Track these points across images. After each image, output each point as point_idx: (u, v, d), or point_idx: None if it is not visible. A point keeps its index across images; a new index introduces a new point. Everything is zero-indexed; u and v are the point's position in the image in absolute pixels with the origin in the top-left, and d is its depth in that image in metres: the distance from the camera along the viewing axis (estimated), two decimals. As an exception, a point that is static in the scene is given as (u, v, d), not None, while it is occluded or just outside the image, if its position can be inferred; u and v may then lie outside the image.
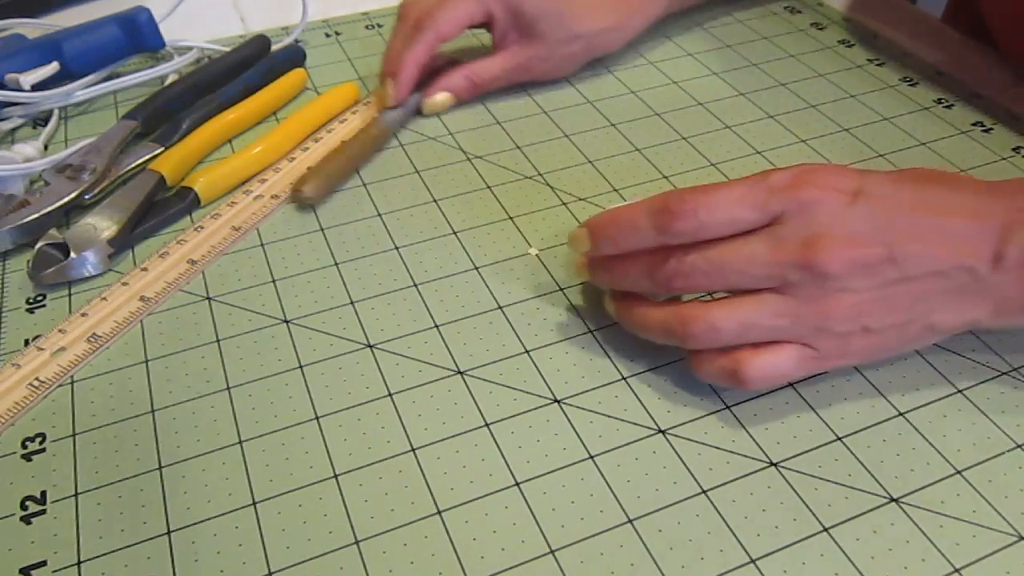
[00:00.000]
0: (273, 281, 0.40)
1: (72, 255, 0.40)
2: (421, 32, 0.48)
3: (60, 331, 0.37)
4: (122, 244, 0.42)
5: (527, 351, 0.36)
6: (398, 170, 0.47)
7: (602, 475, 0.32)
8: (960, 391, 0.34)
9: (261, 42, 0.56)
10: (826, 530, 0.30)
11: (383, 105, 0.49)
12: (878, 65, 0.55)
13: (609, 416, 0.34)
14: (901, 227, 0.30)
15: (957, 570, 0.29)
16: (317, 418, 0.34)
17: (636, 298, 0.34)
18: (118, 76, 0.54)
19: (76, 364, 0.36)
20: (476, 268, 0.41)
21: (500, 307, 0.39)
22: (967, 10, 0.60)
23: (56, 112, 0.51)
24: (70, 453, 0.33)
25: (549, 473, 0.32)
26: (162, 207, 0.44)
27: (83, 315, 0.38)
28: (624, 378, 0.35)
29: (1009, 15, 0.52)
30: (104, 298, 0.39)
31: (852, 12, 0.61)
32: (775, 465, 0.32)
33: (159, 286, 0.39)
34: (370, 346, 0.37)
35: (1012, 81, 0.53)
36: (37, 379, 0.35)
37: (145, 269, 0.40)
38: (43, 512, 0.31)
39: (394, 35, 0.50)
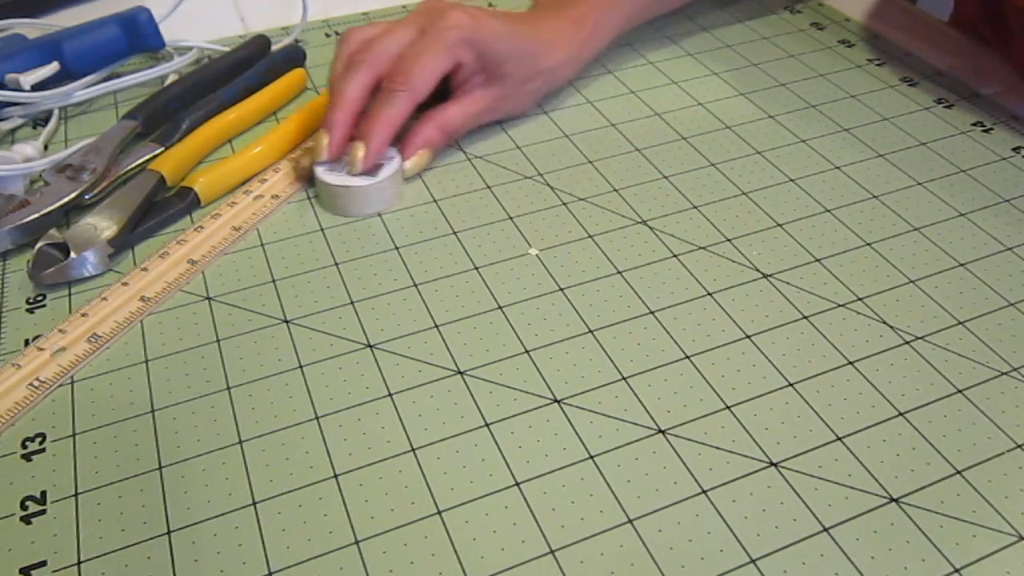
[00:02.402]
0: (273, 281, 0.40)
1: (72, 255, 0.40)
2: (395, 96, 0.44)
3: (60, 331, 0.37)
4: (122, 244, 0.42)
5: (527, 351, 0.36)
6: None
7: (602, 475, 0.32)
8: (960, 391, 0.34)
9: (261, 42, 0.56)
10: (826, 530, 0.30)
11: (321, 158, 0.44)
12: (878, 65, 0.55)
13: (609, 416, 0.34)
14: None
15: (957, 570, 0.29)
16: (317, 418, 0.34)
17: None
18: (118, 76, 0.54)
19: (76, 364, 0.36)
20: (476, 268, 0.41)
21: (500, 307, 0.39)
22: (972, 12, 0.60)
23: (56, 112, 0.51)
24: (70, 453, 0.33)
25: (549, 473, 0.32)
26: (162, 207, 0.44)
27: (83, 315, 0.38)
28: (624, 378, 0.35)
29: None
30: (104, 298, 0.39)
31: (852, 12, 0.61)
32: (775, 465, 0.32)
33: (159, 286, 0.39)
34: (370, 346, 0.37)
35: (1012, 81, 0.53)
36: (37, 379, 0.35)
37: (145, 269, 0.40)
38: (43, 512, 0.31)
39: (344, 76, 0.45)
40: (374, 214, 0.44)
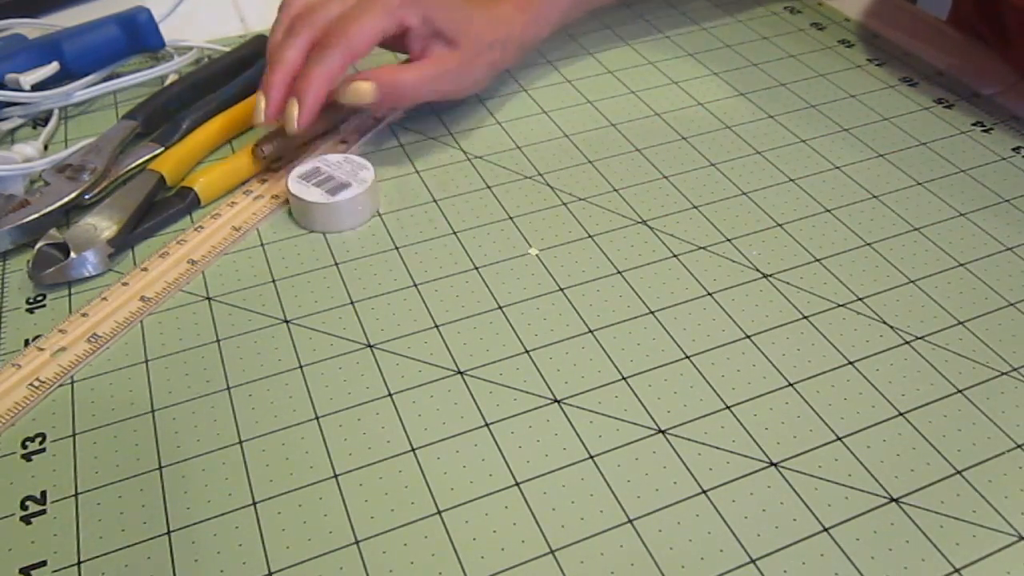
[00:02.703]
0: (273, 281, 0.40)
1: (72, 255, 0.40)
2: (330, 49, 0.42)
3: (60, 331, 0.37)
4: (122, 244, 0.42)
5: (527, 351, 0.36)
6: (398, 170, 0.47)
7: (602, 475, 0.32)
8: (960, 391, 0.34)
9: (260, 42, 0.56)
10: (826, 530, 0.30)
11: (259, 121, 0.43)
12: (878, 65, 0.55)
13: (609, 416, 0.34)
14: None
15: (957, 570, 0.29)
16: (317, 418, 0.34)
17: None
18: (118, 76, 0.54)
19: (76, 364, 0.36)
20: (476, 268, 0.41)
21: (500, 307, 0.39)
22: (970, 11, 0.60)
23: (56, 112, 0.51)
24: (70, 453, 0.33)
25: (549, 473, 0.32)
26: (162, 207, 0.44)
27: (83, 315, 0.38)
28: (624, 378, 0.35)
29: None
30: (104, 298, 0.39)
31: (852, 12, 0.61)
32: (775, 465, 0.32)
33: (159, 286, 0.39)
34: (370, 346, 0.37)
35: (1012, 81, 0.53)
36: (37, 379, 0.35)
37: (145, 269, 0.40)
38: (43, 512, 0.31)
39: (285, 45, 0.44)
40: (346, 230, 0.43)
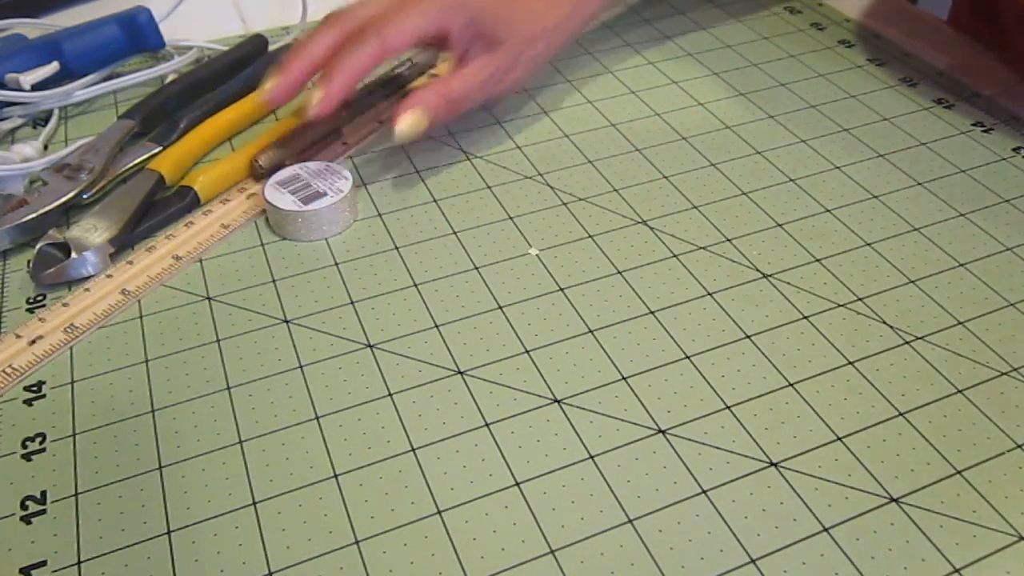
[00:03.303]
0: (273, 281, 0.40)
1: (72, 255, 0.40)
2: (364, 43, 0.41)
3: (40, 320, 0.38)
4: (122, 244, 0.42)
5: (527, 351, 0.36)
6: (398, 170, 0.47)
7: (602, 475, 0.32)
8: (960, 391, 0.34)
9: (258, 41, 0.56)
10: (826, 530, 0.30)
11: (263, 97, 0.42)
12: (878, 65, 0.55)
13: (609, 416, 0.34)
14: None
15: (957, 570, 0.29)
16: (317, 418, 0.34)
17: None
18: (118, 76, 0.54)
19: (50, 354, 0.36)
20: (476, 268, 0.41)
21: (500, 307, 0.39)
22: (971, 12, 0.60)
23: (56, 112, 0.51)
24: (70, 453, 0.33)
25: (549, 473, 0.32)
26: (162, 207, 0.44)
27: (64, 305, 0.38)
28: (624, 378, 0.35)
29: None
30: (87, 289, 0.39)
31: (852, 12, 0.61)
32: (775, 465, 0.32)
33: (141, 280, 0.40)
34: (370, 346, 0.37)
35: (1012, 81, 0.53)
36: (10, 367, 0.36)
37: (131, 263, 0.41)
38: (43, 512, 0.31)
39: (318, 35, 0.43)
40: (316, 239, 0.42)
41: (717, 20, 0.61)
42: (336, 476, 0.32)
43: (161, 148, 0.47)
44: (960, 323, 0.37)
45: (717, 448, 0.32)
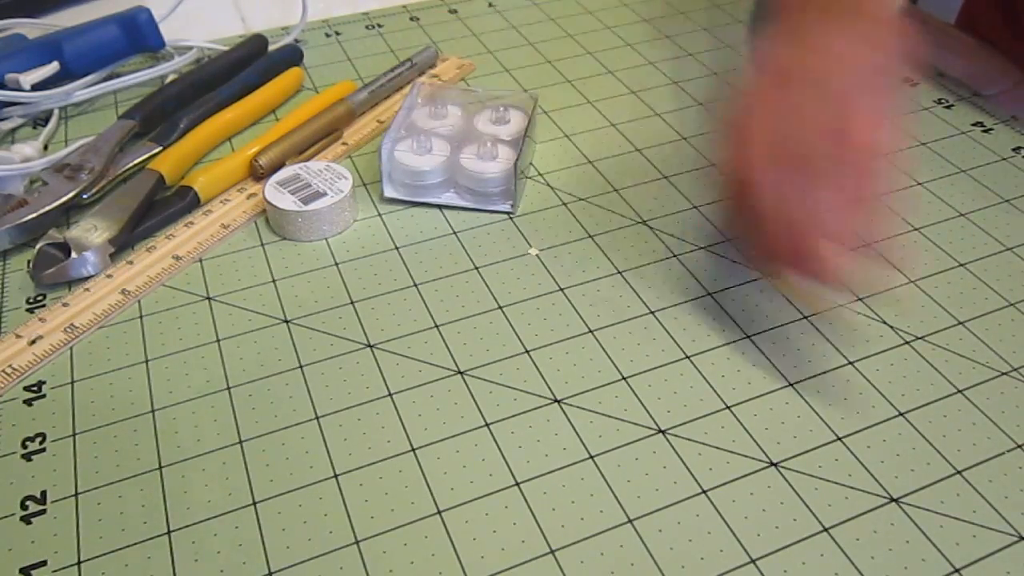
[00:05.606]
0: (274, 281, 0.40)
1: (72, 255, 0.40)
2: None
3: (40, 320, 0.38)
4: (123, 244, 0.42)
5: (527, 351, 0.36)
6: (398, 170, 0.47)
7: (602, 475, 0.32)
8: (960, 391, 0.34)
9: (258, 41, 0.56)
10: (826, 530, 0.30)
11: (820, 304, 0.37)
12: (878, 65, 0.55)
13: (609, 416, 0.34)
14: None
15: (957, 570, 0.29)
16: (317, 418, 0.34)
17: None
18: (118, 76, 0.54)
19: (50, 354, 0.36)
20: (476, 268, 0.41)
21: (500, 307, 0.39)
22: (984, 12, 0.60)
23: (56, 112, 0.51)
24: (70, 453, 0.33)
25: (549, 473, 0.32)
26: (162, 206, 0.44)
27: (64, 305, 0.38)
28: (624, 378, 0.35)
29: None
30: (87, 289, 0.39)
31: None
32: (775, 465, 0.32)
33: (141, 280, 0.40)
34: (370, 346, 0.37)
35: (1013, 81, 0.53)
36: (10, 367, 0.36)
37: (131, 263, 0.41)
38: (43, 512, 0.31)
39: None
40: (320, 239, 0.43)
41: (718, 20, 0.61)
42: (336, 476, 0.32)
43: (161, 148, 0.47)
44: (960, 323, 0.37)
45: (717, 448, 0.32)
